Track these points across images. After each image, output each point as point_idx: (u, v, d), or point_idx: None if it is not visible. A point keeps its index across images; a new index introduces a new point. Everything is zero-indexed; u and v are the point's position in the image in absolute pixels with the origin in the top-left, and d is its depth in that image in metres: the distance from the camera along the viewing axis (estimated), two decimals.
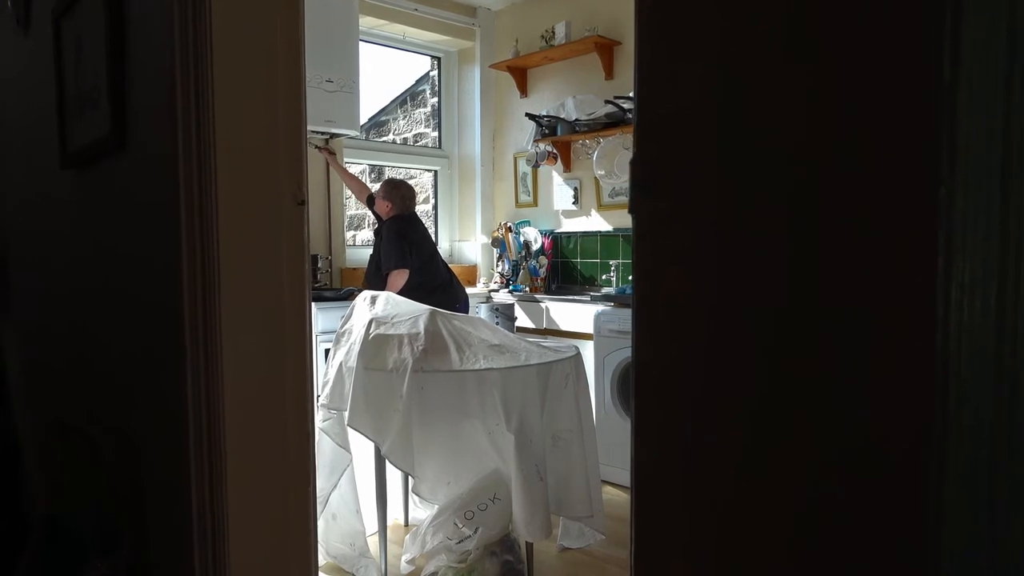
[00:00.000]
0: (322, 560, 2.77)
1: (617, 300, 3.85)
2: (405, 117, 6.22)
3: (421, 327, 2.65)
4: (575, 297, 4.17)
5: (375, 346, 2.61)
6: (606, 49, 4.31)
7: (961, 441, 0.35)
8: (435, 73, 5.41)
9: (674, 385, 0.49)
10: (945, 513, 0.35)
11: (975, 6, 0.34)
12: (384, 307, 2.82)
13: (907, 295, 0.36)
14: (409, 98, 6.18)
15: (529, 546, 2.71)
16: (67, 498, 1.98)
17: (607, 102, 4.24)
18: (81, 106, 1.65)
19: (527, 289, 4.59)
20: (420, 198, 5.43)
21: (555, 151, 4.69)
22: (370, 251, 3.92)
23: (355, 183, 4.23)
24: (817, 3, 0.40)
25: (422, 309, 2.76)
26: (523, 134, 4.90)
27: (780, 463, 0.46)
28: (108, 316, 1.67)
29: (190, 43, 1.14)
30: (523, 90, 4.95)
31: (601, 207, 4.57)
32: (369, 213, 4.13)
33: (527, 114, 4.71)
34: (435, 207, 5.36)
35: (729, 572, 0.51)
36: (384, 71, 5.61)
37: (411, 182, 5.47)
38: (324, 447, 2.75)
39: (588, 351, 3.68)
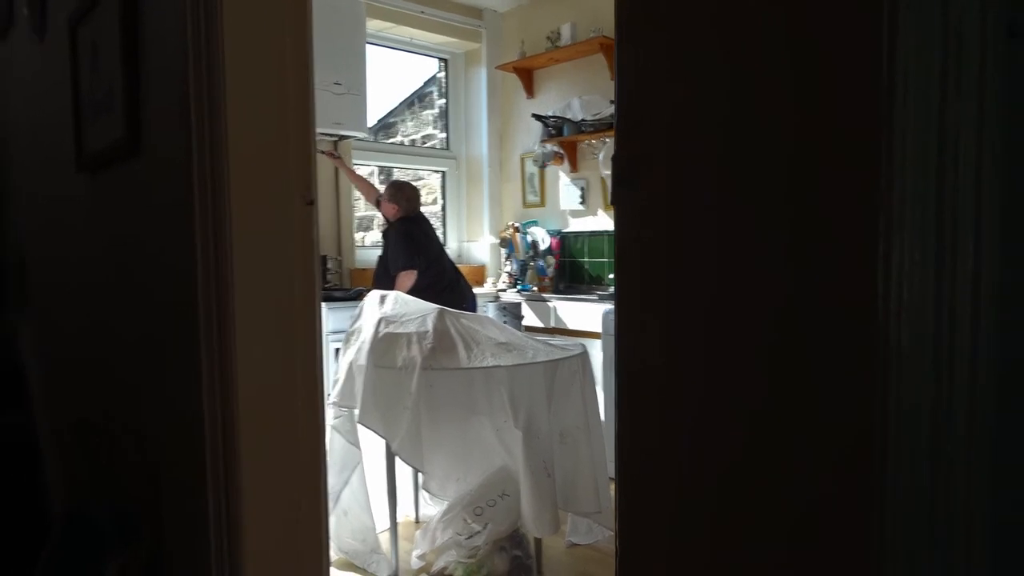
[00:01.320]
0: (334, 555, 2.81)
1: None
2: (413, 119, 6.25)
3: (429, 325, 2.68)
4: (583, 296, 4.20)
5: (384, 344, 2.65)
6: (611, 50, 4.33)
7: (902, 419, 0.38)
8: (442, 75, 5.45)
9: (662, 384, 0.52)
10: (889, 488, 0.38)
11: (909, 11, 0.37)
12: (393, 306, 2.86)
13: (853, 278, 0.39)
14: (417, 100, 6.21)
15: (538, 542, 2.74)
16: (86, 492, 2.03)
17: (613, 102, 4.26)
18: (96, 110, 1.70)
19: (535, 289, 4.62)
20: (428, 199, 5.47)
21: (562, 151, 4.72)
22: (379, 252, 3.96)
23: (364, 185, 4.28)
24: (780, 12, 0.43)
25: (430, 308, 2.80)
26: (530, 135, 4.93)
27: (767, 459, 0.48)
28: (125, 315, 1.71)
29: (203, 49, 1.18)
30: (529, 91, 4.98)
31: (608, 207, 4.60)
32: (379, 214, 4.18)
33: (533, 115, 4.74)
34: (443, 208, 5.40)
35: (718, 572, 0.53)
36: (393, 73, 5.65)
37: (419, 183, 5.52)
38: (335, 444, 2.79)
39: (596, 350, 3.71)
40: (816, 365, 0.43)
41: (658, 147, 0.48)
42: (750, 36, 0.45)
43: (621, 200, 0.50)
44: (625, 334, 0.54)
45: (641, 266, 0.50)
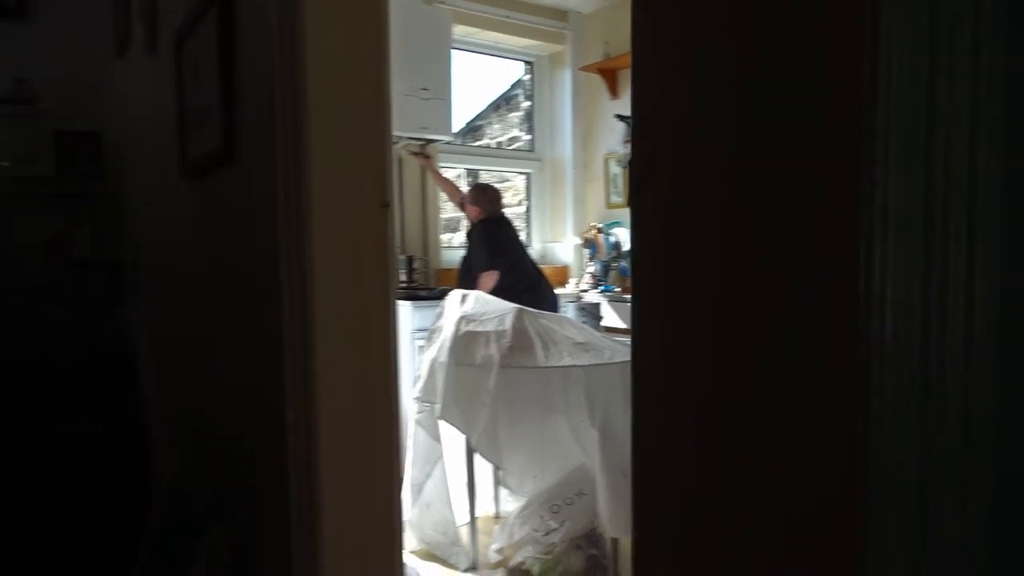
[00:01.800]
0: (416, 545, 2.90)
1: None
2: (500, 121, 6.34)
3: (508, 324, 2.73)
4: None
5: (464, 342, 2.72)
6: None
7: (889, 418, 0.38)
8: (527, 77, 5.50)
9: (666, 383, 0.54)
10: (877, 485, 0.39)
11: (893, 9, 0.37)
12: (473, 305, 2.93)
13: (843, 277, 0.40)
14: (504, 102, 6.29)
15: (615, 541, 2.74)
16: (189, 473, 2.19)
17: None
18: (198, 121, 1.84)
19: (618, 290, 4.60)
20: (513, 200, 5.54)
21: None
22: (464, 252, 4.06)
23: (448, 187, 4.39)
24: (768, 31, 0.44)
25: (509, 307, 2.85)
26: (613, 135, 4.92)
27: (762, 458, 0.49)
28: (221, 310, 1.84)
29: (288, 66, 1.27)
30: (613, 92, 4.97)
31: None
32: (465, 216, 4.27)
33: (616, 115, 4.73)
34: (527, 209, 5.45)
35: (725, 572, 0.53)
36: (480, 77, 5.76)
37: (505, 185, 5.60)
38: (418, 438, 2.88)
39: None
40: (810, 365, 0.43)
41: (665, 149, 0.50)
42: (752, 37, 0.46)
43: (635, 201, 0.52)
44: (637, 334, 0.56)
45: (651, 267, 0.52)
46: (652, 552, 0.58)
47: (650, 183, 0.50)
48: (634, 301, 0.55)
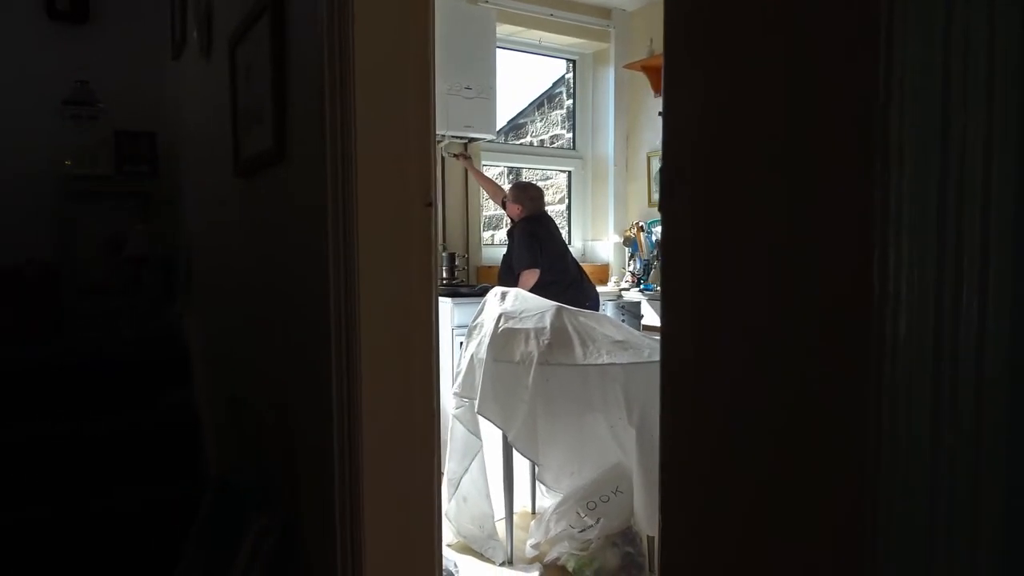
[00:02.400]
0: (453, 539, 2.95)
1: None
2: (542, 119, 6.35)
3: (547, 322, 2.76)
4: None
5: (503, 339, 2.75)
6: None
7: (898, 415, 0.39)
8: (570, 75, 5.51)
9: (693, 379, 0.55)
10: (884, 485, 0.40)
11: (906, 16, 0.38)
12: (513, 302, 2.96)
13: (853, 278, 0.41)
14: (546, 100, 6.31)
15: (651, 539, 2.75)
16: (236, 462, 2.27)
17: None
18: (250, 122, 1.90)
19: (658, 288, 4.59)
20: (555, 198, 5.56)
21: None
22: (505, 250, 4.09)
23: (490, 186, 4.43)
24: (785, 34, 0.46)
25: (548, 305, 2.87)
26: (656, 133, 4.90)
27: (772, 455, 0.50)
28: (270, 306, 1.91)
29: (336, 70, 1.32)
30: (657, 89, 4.94)
31: None
32: (506, 214, 4.31)
33: (660, 113, 4.70)
34: (568, 207, 5.47)
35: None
36: (523, 75, 5.78)
37: (547, 183, 5.61)
38: (456, 433, 2.93)
39: None
40: (824, 366, 0.45)
41: (693, 153, 0.51)
42: (770, 41, 0.47)
43: (662, 207, 0.54)
44: (665, 335, 0.58)
45: (677, 269, 0.54)
46: (676, 544, 0.60)
47: (679, 187, 0.52)
48: (663, 302, 0.57)
